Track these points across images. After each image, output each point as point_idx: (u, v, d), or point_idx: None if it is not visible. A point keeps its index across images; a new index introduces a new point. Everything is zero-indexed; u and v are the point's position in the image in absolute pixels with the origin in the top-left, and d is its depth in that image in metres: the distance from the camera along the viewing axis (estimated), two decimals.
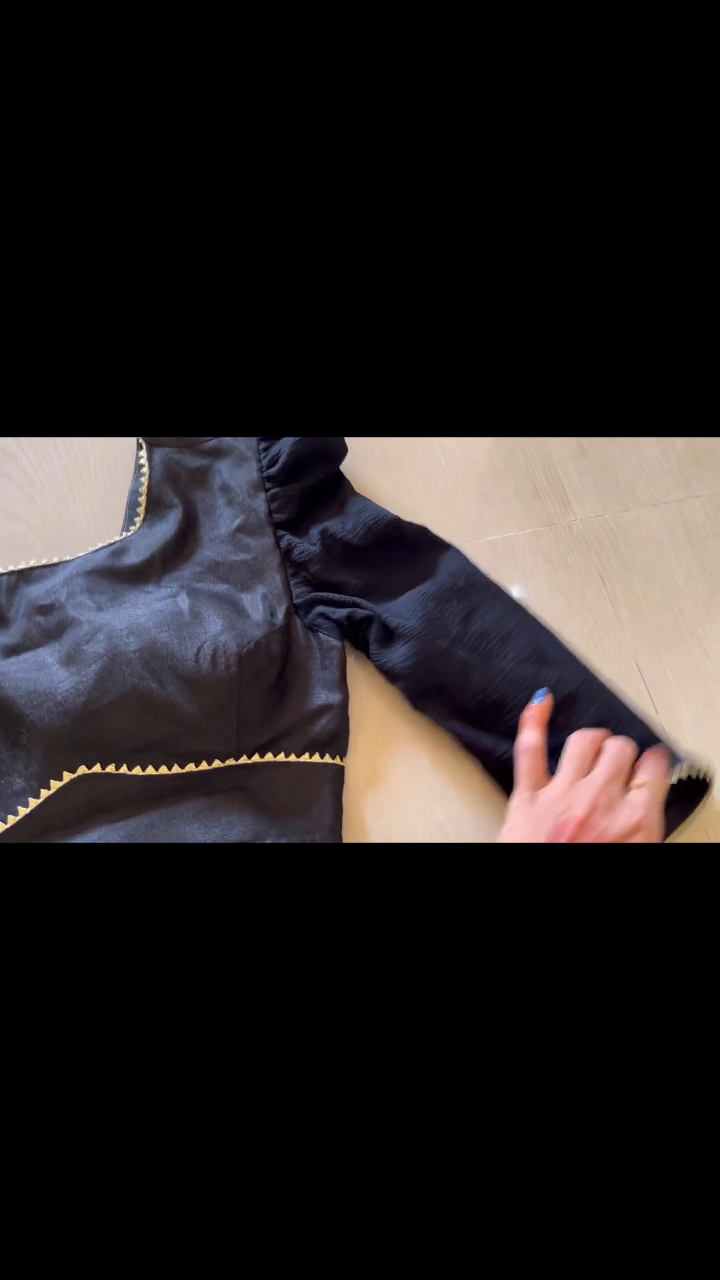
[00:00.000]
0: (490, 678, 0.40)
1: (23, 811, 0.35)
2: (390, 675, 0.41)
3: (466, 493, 0.50)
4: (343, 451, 0.47)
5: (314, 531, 0.44)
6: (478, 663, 0.40)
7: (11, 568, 0.43)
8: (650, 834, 0.35)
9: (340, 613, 0.42)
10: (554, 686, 0.40)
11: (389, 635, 0.41)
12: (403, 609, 0.42)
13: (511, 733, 0.39)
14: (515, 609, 0.43)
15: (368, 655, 0.43)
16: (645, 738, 0.39)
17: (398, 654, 0.41)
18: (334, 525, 0.44)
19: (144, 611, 0.39)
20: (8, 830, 0.35)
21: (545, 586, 0.47)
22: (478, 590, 0.43)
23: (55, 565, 0.43)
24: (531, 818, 0.36)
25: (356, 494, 0.47)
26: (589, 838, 0.34)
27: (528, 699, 0.39)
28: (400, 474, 0.50)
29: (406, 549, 0.45)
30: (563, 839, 0.34)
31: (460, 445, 0.52)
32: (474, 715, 0.40)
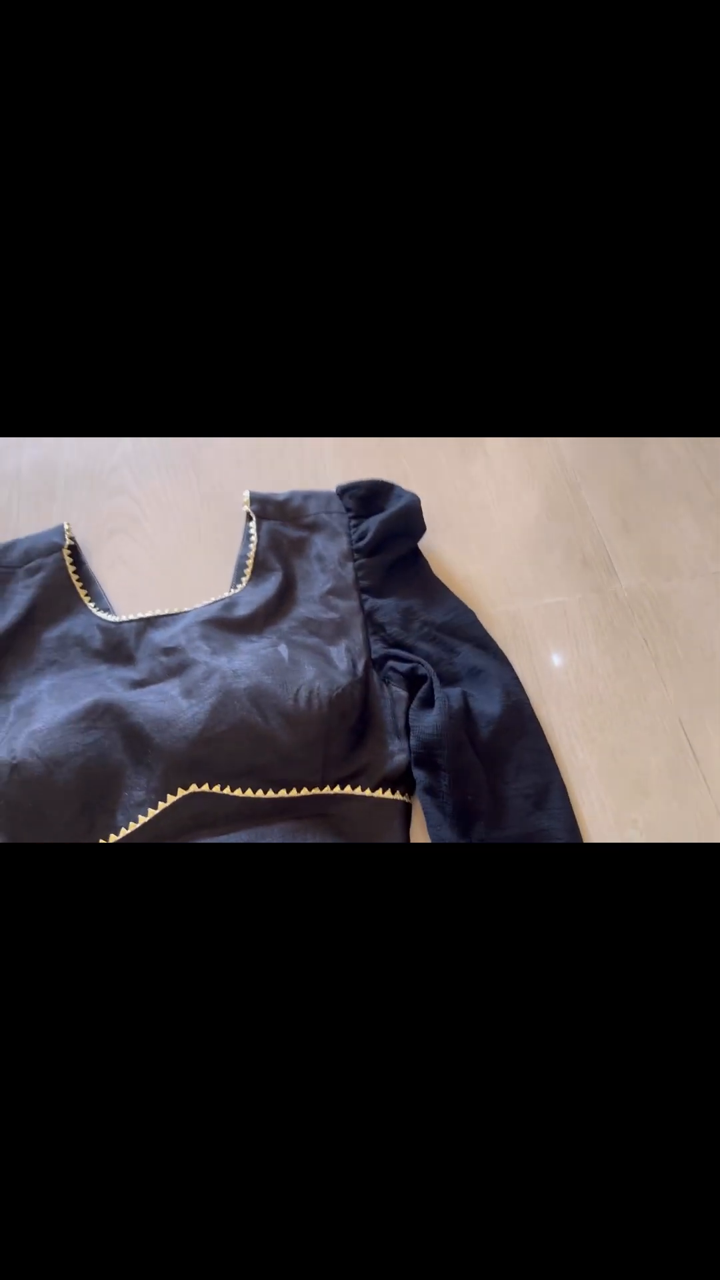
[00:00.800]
0: (488, 789, 0.44)
1: (142, 820, 0.42)
2: (410, 732, 0.46)
3: (522, 559, 0.57)
4: (421, 530, 0.55)
5: (393, 602, 0.52)
6: (485, 769, 0.45)
7: (140, 615, 0.51)
8: None
9: (405, 667, 0.49)
10: (535, 834, 0.43)
11: (430, 703, 0.47)
12: (452, 694, 0.47)
13: (472, 839, 0.42)
14: (544, 751, 0.47)
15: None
16: None
17: (427, 722, 0.45)
18: (418, 607, 0.51)
19: (251, 657, 0.46)
20: (128, 835, 0.42)
21: (594, 646, 0.53)
22: (519, 716, 0.48)
23: (176, 615, 0.51)
24: None
25: (432, 575, 0.55)
26: None
27: (509, 825, 0.43)
28: (463, 543, 0.58)
29: (473, 644, 0.51)
30: None
31: (515, 517, 0.59)
32: (455, 807, 0.43)
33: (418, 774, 0.46)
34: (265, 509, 0.56)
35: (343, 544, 0.55)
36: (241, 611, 0.51)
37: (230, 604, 0.51)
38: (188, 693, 0.45)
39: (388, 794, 0.45)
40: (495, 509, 0.60)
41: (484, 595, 0.55)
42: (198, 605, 0.52)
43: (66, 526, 0.56)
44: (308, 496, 0.57)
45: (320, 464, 0.62)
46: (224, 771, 0.43)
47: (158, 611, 0.52)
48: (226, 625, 0.50)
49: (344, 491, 0.57)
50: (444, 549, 0.57)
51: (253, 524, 0.56)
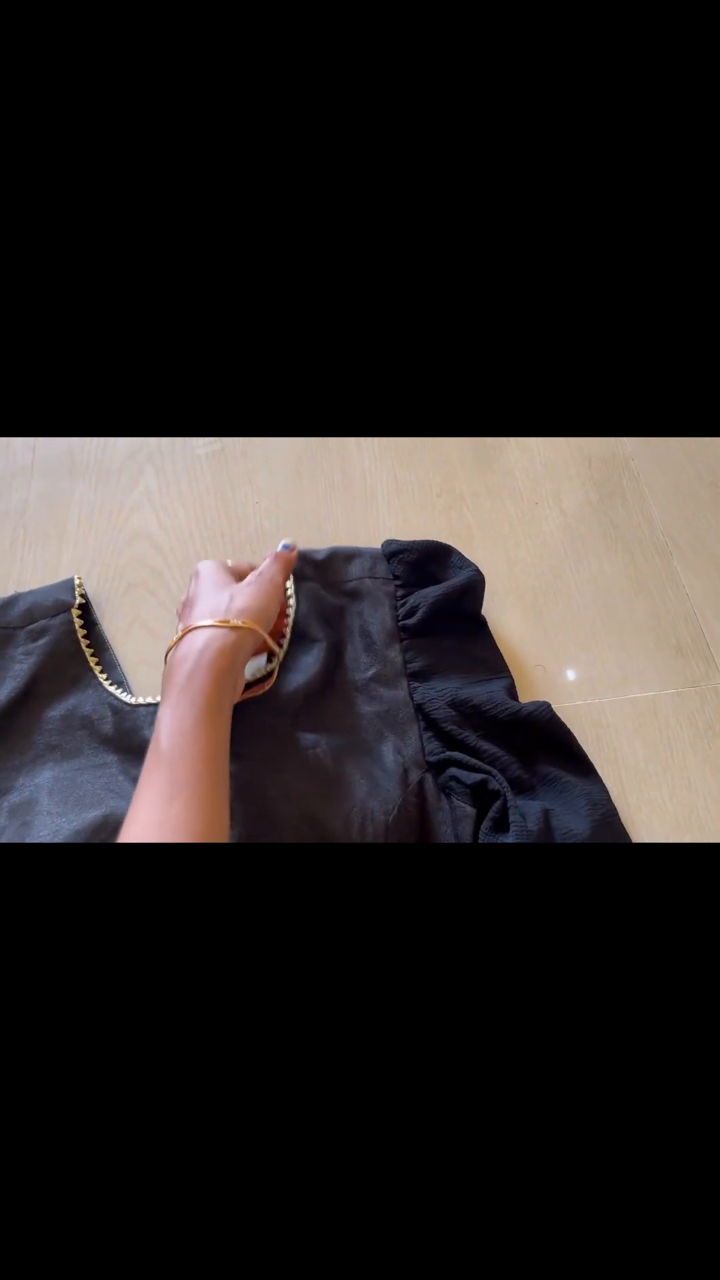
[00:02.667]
0: None
1: None
2: None
3: (605, 642, 0.49)
4: (478, 609, 0.47)
5: (451, 689, 0.44)
6: None
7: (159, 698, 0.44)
8: (217, 564, 0.42)
9: (474, 778, 0.41)
10: None
11: (505, 825, 0.39)
12: (529, 810, 0.40)
13: None
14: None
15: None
16: None
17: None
18: (482, 698, 0.43)
19: (292, 769, 0.39)
20: None
21: (690, 755, 0.45)
22: (610, 831, 0.40)
23: None
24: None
25: (497, 653, 0.47)
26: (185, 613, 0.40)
27: None
28: (535, 617, 0.50)
29: (550, 745, 0.44)
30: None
31: (602, 593, 0.51)
32: None
33: None
34: (303, 569, 0.48)
35: (387, 618, 0.46)
36: (279, 696, 0.43)
37: (266, 696, 0.44)
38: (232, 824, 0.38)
39: None
40: (572, 577, 0.52)
41: (558, 684, 0.48)
42: None
43: (77, 581, 0.49)
44: (350, 557, 0.49)
45: (371, 512, 0.55)
46: None
47: None
48: (261, 714, 0.42)
49: (393, 554, 0.49)
50: (511, 624, 0.50)
51: (290, 585, 0.48)
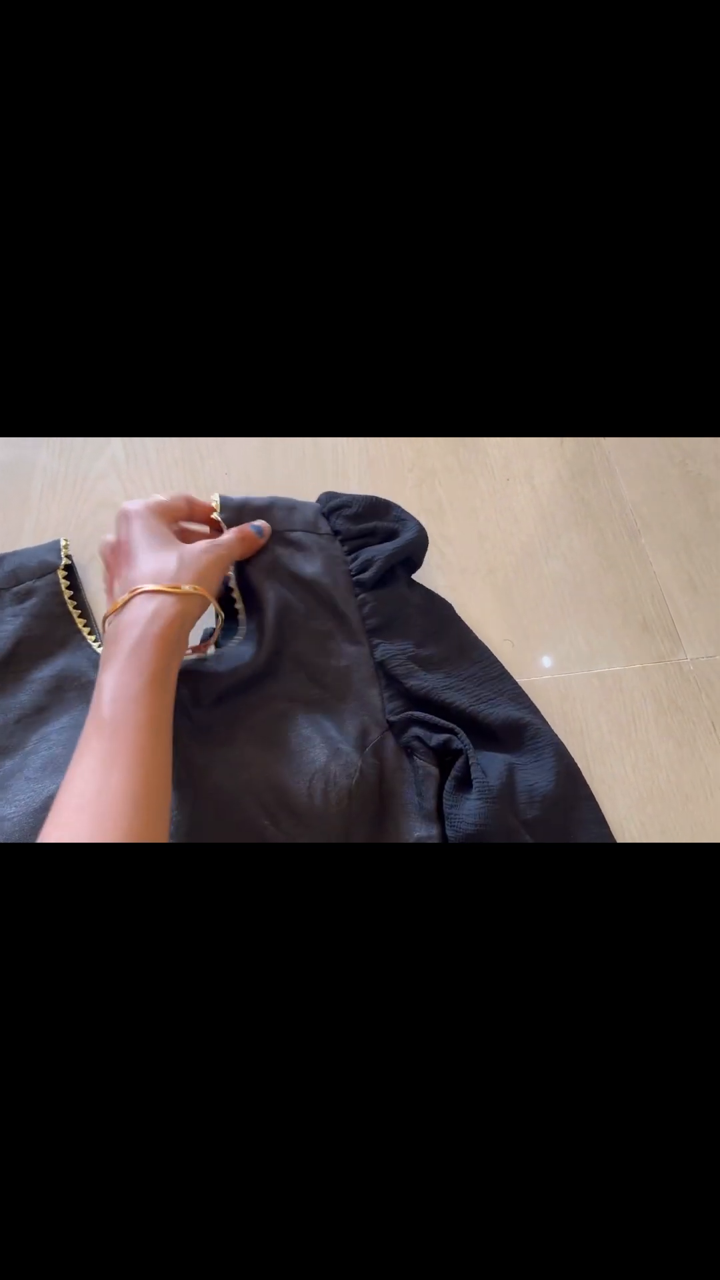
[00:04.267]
0: None
1: None
2: (449, 821, 0.39)
3: (575, 619, 0.50)
4: (421, 560, 0.48)
5: (409, 646, 0.44)
6: None
7: None
8: (154, 508, 0.40)
9: (437, 738, 0.41)
10: None
11: (466, 783, 0.40)
12: (491, 766, 0.40)
13: None
14: (602, 821, 0.42)
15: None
16: None
17: (467, 809, 0.39)
18: (440, 655, 0.44)
19: (251, 737, 0.39)
20: None
21: (654, 728, 0.47)
22: (574, 784, 0.42)
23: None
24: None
25: (449, 610, 0.48)
26: (116, 530, 0.40)
27: None
28: (510, 597, 0.51)
29: (509, 697, 0.45)
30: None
31: (571, 570, 0.52)
32: None
33: None
34: (242, 518, 0.46)
35: (336, 573, 0.46)
36: (233, 659, 0.43)
37: (225, 664, 0.43)
38: (182, 802, 0.37)
39: None
40: (542, 554, 0.53)
41: (528, 658, 0.49)
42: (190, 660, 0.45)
43: (64, 543, 0.48)
44: (291, 508, 0.48)
45: (342, 485, 0.55)
46: None
47: None
48: (218, 681, 0.42)
49: (332, 510, 0.48)
50: (481, 599, 0.51)
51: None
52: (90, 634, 0.46)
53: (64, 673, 0.44)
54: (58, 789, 0.37)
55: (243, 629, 0.45)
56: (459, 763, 0.40)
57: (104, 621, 0.37)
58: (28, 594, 0.46)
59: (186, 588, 0.36)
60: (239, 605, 0.46)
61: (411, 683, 0.42)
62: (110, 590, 0.39)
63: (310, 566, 0.46)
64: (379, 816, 0.40)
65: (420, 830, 0.39)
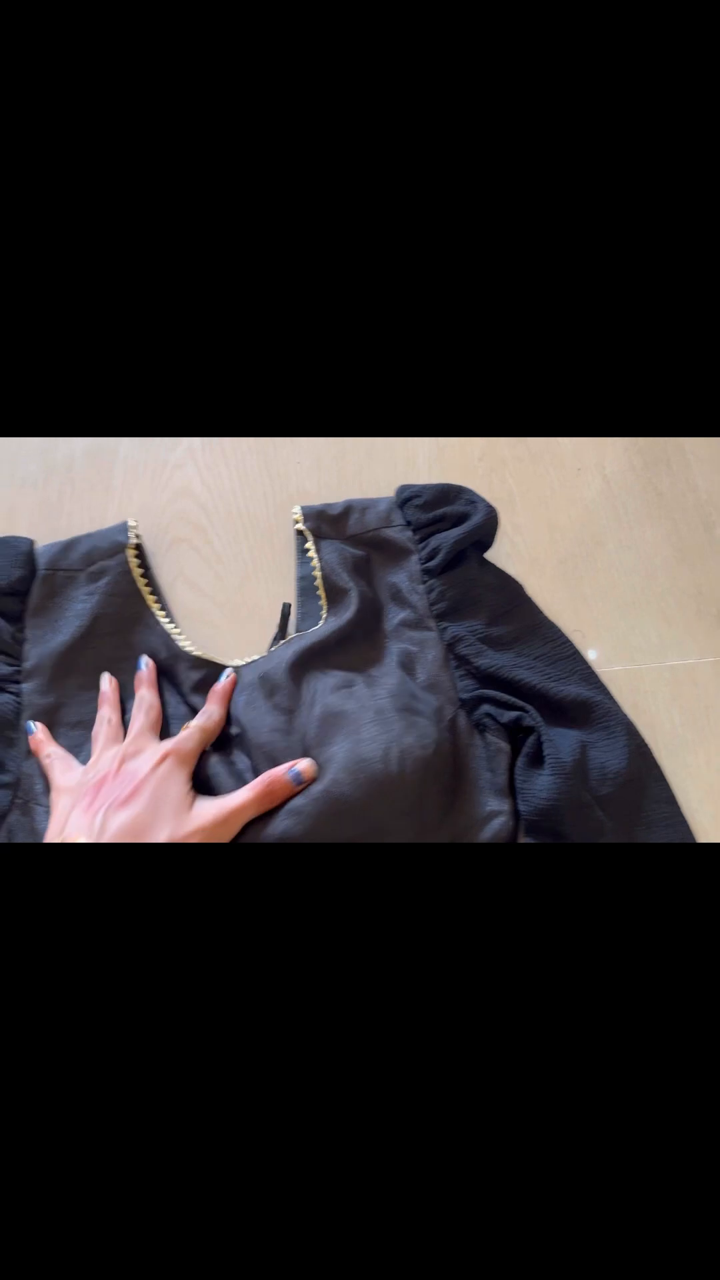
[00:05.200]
0: None
1: None
2: (522, 796, 0.41)
3: (647, 611, 0.50)
4: (491, 541, 0.49)
5: (480, 625, 0.45)
6: (614, 831, 0.40)
7: (209, 656, 0.46)
8: (180, 758, 0.37)
9: (508, 715, 0.42)
10: None
11: (538, 759, 0.41)
12: (563, 742, 0.41)
13: None
14: (673, 801, 0.42)
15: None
16: None
17: (540, 784, 0.40)
18: (509, 634, 0.45)
19: (329, 711, 0.41)
20: None
21: None
22: (645, 762, 0.42)
23: (248, 664, 0.46)
24: (76, 787, 0.37)
25: (517, 587, 0.48)
26: (99, 804, 0.35)
27: None
28: (576, 584, 0.51)
29: (580, 677, 0.45)
30: (82, 805, 0.35)
31: (639, 558, 0.52)
32: None
33: (534, 843, 0.41)
34: (321, 526, 0.49)
35: (411, 564, 0.48)
36: (317, 650, 0.44)
37: (304, 646, 0.45)
38: (260, 768, 0.39)
39: None
40: (613, 544, 0.53)
41: (598, 649, 0.49)
42: (267, 648, 0.46)
43: (132, 524, 0.50)
44: (365, 509, 0.50)
45: (412, 475, 0.56)
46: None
47: (236, 662, 0.46)
48: (304, 671, 0.44)
49: (406, 500, 0.50)
50: (550, 589, 0.51)
51: (310, 543, 0.49)
52: (161, 612, 0.48)
53: (139, 646, 0.46)
54: None
55: (322, 616, 0.47)
56: (531, 739, 0.41)
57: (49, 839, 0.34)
58: (101, 573, 0.48)
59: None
60: (323, 601, 0.47)
61: (481, 662, 0.44)
62: (89, 807, 0.35)
63: (385, 565, 0.48)
64: (452, 790, 0.41)
65: (493, 804, 0.40)
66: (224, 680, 0.44)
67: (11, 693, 0.45)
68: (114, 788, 0.36)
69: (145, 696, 0.43)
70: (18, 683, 0.45)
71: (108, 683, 0.44)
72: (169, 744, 0.38)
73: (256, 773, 0.40)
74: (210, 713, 0.42)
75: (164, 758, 0.37)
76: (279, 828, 0.37)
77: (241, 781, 0.40)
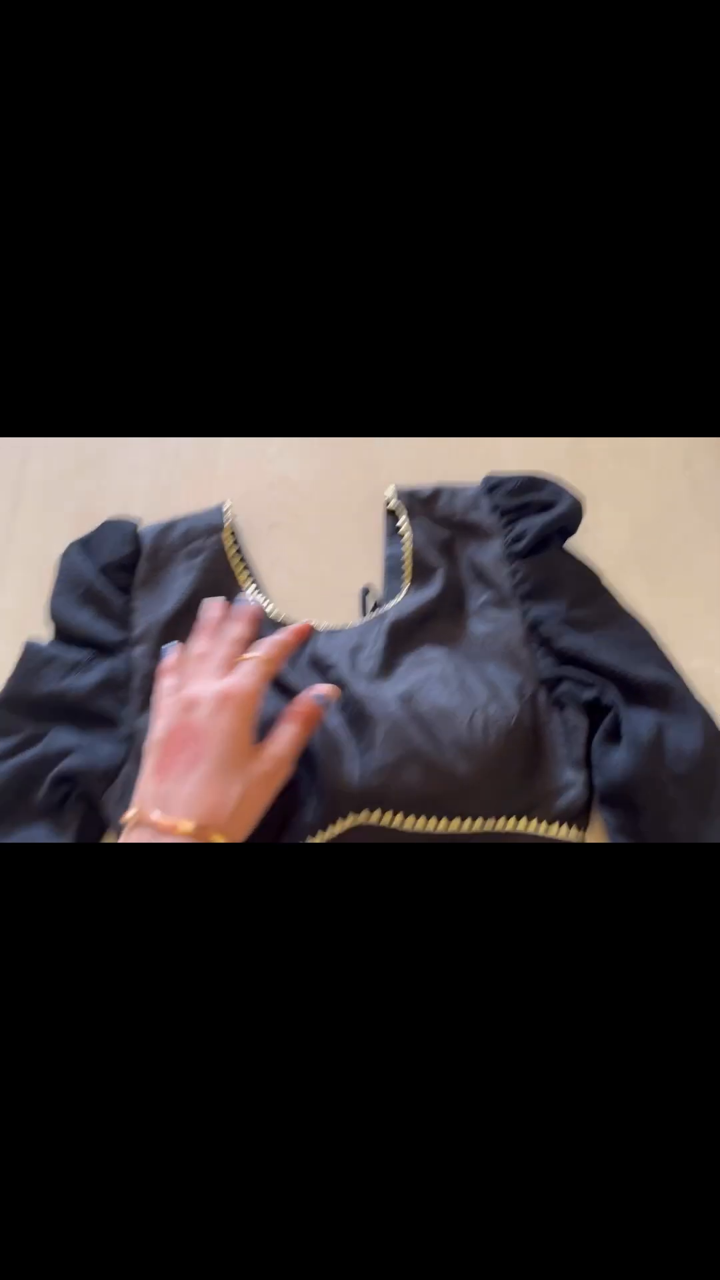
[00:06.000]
0: (690, 829, 0.40)
1: (312, 841, 0.41)
2: (598, 770, 0.43)
3: None
4: (575, 530, 0.51)
5: (561, 607, 0.47)
6: (686, 808, 0.40)
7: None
8: (240, 703, 0.37)
9: (588, 694, 0.44)
10: None
11: (615, 736, 0.43)
12: (640, 721, 0.43)
13: None
14: None
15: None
16: None
17: (616, 759, 0.42)
18: (590, 616, 0.47)
19: (418, 678, 0.43)
20: None
21: None
22: None
23: (336, 630, 0.49)
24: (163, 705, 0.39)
25: (596, 577, 0.50)
26: (183, 706, 0.37)
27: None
28: (658, 581, 0.52)
29: (657, 663, 0.46)
30: (149, 769, 0.36)
31: (715, 545, 0.53)
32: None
33: (607, 816, 0.42)
34: (413, 505, 0.53)
35: (496, 547, 0.50)
36: (404, 623, 0.47)
37: (391, 618, 0.48)
38: (353, 721, 0.43)
39: (562, 830, 0.42)
40: (699, 545, 0.54)
41: (678, 650, 0.50)
42: (359, 620, 0.50)
43: (226, 506, 0.54)
44: (454, 493, 0.53)
45: (498, 466, 0.58)
46: (393, 802, 0.41)
47: (326, 625, 0.50)
48: (391, 639, 0.47)
49: (493, 487, 0.53)
50: (636, 586, 0.52)
51: (402, 521, 0.52)
52: (252, 586, 0.52)
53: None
54: None
55: (404, 590, 0.50)
56: (608, 717, 0.43)
57: (127, 821, 0.35)
58: (198, 551, 0.52)
59: (218, 838, 0.34)
60: (406, 578, 0.50)
61: (562, 643, 0.46)
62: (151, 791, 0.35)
63: (470, 547, 0.51)
64: (531, 762, 0.43)
65: (569, 776, 0.43)
66: (300, 624, 0.44)
67: (124, 657, 0.49)
68: (177, 748, 0.36)
69: (233, 629, 0.42)
70: (129, 647, 0.50)
71: (216, 609, 0.44)
72: (227, 684, 0.37)
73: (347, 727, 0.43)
74: (275, 642, 0.41)
75: (222, 704, 0.37)
76: (369, 769, 0.40)
77: (341, 733, 0.43)
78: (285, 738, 0.38)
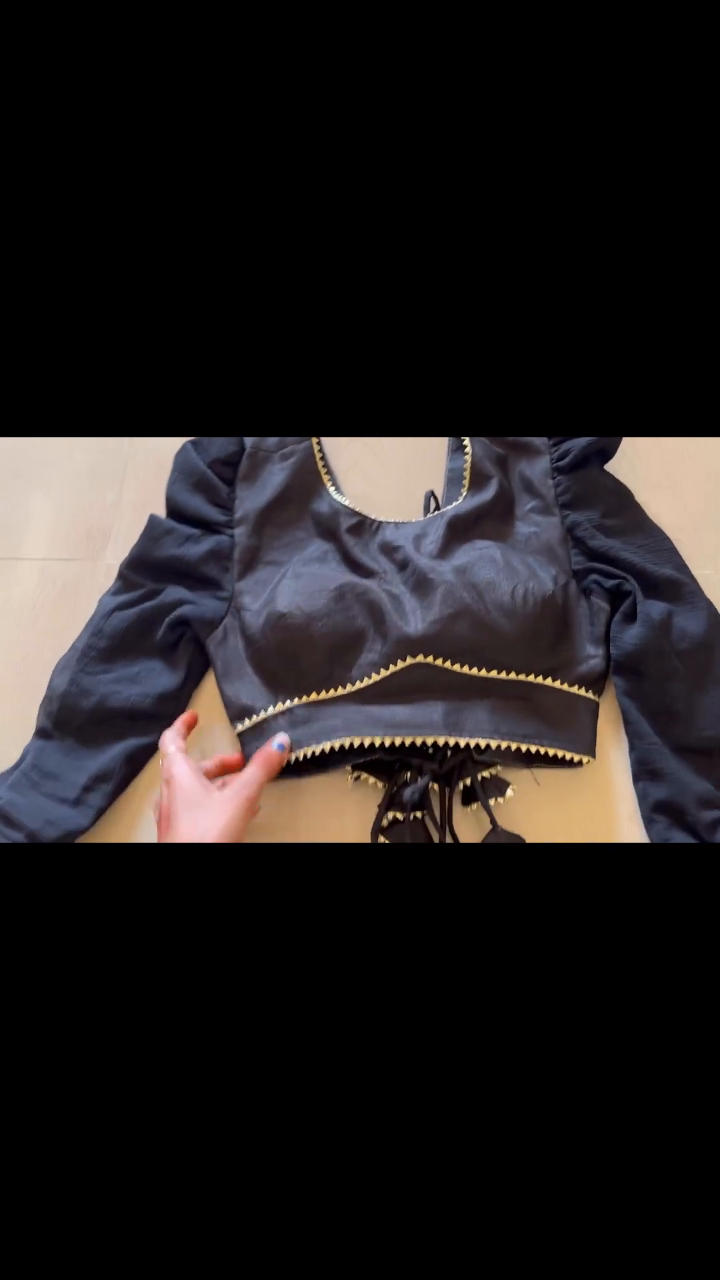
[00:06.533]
0: (686, 695, 0.50)
1: (372, 679, 0.51)
2: (614, 643, 0.53)
3: None
4: (615, 448, 0.59)
5: (595, 515, 0.56)
6: (684, 678, 0.50)
7: (372, 515, 0.60)
8: (169, 777, 0.45)
9: (610, 583, 0.54)
10: None
11: (632, 616, 0.52)
12: (653, 607, 0.52)
13: (668, 738, 0.49)
14: None
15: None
16: None
17: (631, 634, 0.52)
18: (619, 526, 0.56)
19: (471, 558, 0.54)
20: (357, 689, 0.51)
21: None
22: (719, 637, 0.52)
23: (403, 523, 0.59)
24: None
25: (628, 492, 0.59)
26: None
27: (705, 728, 0.49)
28: (680, 493, 0.61)
29: (674, 566, 0.55)
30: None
31: None
32: (656, 708, 0.50)
33: (618, 680, 0.52)
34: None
35: (544, 463, 0.60)
36: (462, 519, 0.57)
37: (451, 515, 0.58)
38: (416, 587, 0.53)
39: (580, 690, 0.52)
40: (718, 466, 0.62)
41: (691, 553, 0.58)
42: (423, 518, 0.60)
43: None
44: None
45: None
46: (446, 649, 0.51)
47: (395, 520, 0.60)
48: (450, 531, 0.57)
49: None
50: (660, 498, 0.60)
51: (466, 440, 0.62)
52: (332, 486, 0.62)
53: (316, 511, 0.60)
54: (320, 583, 0.53)
55: (462, 496, 0.60)
56: (627, 602, 0.53)
57: None
58: (290, 455, 0.62)
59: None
60: (465, 487, 0.60)
61: (594, 544, 0.55)
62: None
63: (521, 459, 0.60)
64: (559, 634, 0.53)
65: (590, 649, 0.53)
66: (186, 714, 0.52)
67: (228, 534, 0.60)
68: (162, 823, 0.45)
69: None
70: (231, 528, 0.60)
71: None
72: (165, 776, 0.47)
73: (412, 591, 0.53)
74: (170, 733, 0.50)
75: (166, 784, 0.46)
76: (427, 620, 0.51)
77: (407, 598, 0.53)
78: (247, 776, 0.46)
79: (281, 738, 0.50)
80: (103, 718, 0.53)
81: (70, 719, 0.53)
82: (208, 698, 0.57)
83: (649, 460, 0.63)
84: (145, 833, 0.53)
